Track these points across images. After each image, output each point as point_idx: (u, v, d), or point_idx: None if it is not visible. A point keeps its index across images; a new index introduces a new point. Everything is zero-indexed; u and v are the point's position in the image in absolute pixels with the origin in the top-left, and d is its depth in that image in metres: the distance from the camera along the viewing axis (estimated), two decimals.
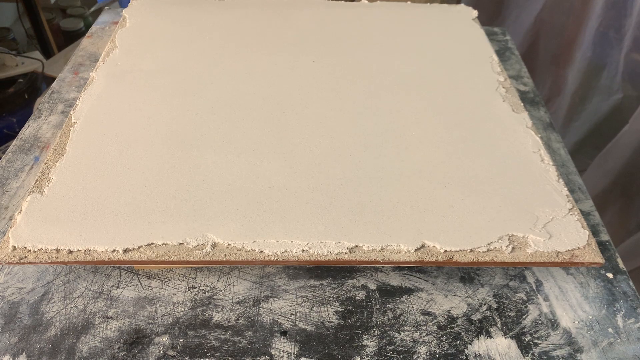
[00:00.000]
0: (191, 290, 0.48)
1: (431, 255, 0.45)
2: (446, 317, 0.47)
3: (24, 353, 0.42)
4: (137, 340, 0.44)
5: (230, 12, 0.79)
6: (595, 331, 0.47)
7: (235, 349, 0.44)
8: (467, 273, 0.51)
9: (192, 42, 0.71)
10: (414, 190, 0.50)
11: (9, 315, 0.45)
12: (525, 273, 0.52)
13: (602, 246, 0.55)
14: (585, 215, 0.59)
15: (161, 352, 0.43)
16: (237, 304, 0.47)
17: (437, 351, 0.45)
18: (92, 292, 0.47)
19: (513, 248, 0.46)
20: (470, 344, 0.46)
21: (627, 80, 1.06)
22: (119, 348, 0.43)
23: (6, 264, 0.42)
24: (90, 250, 0.43)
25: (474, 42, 0.76)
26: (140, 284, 0.48)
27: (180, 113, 0.58)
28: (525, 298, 0.50)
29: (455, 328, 0.47)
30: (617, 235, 1.04)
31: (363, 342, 0.45)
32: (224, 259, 0.44)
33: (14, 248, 0.43)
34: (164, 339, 0.44)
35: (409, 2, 0.86)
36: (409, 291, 0.49)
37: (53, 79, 0.79)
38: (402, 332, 0.46)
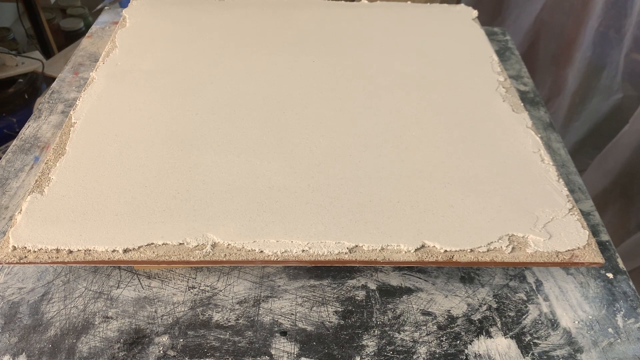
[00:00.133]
0: (191, 290, 0.48)
1: (431, 255, 0.45)
2: (446, 317, 0.47)
3: (24, 353, 0.42)
4: (137, 340, 0.44)
5: (230, 12, 0.79)
6: (595, 331, 0.47)
7: (235, 349, 0.44)
8: (467, 273, 0.51)
9: (192, 42, 0.71)
10: (414, 190, 0.50)
11: (9, 315, 0.45)
12: (525, 273, 0.52)
13: (602, 246, 0.55)
14: (585, 215, 0.59)
15: (161, 352, 0.43)
16: (237, 304, 0.47)
17: (437, 351, 0.45)
18: (92, 292, 0.47)
19: (513, 248, 0.46)
20: (470, 344, 0.46)
21: (627, 80, 1.06)
22: (119, 348, 0.43)
23: (6, 264, 0.42)
24: (90, 250, 0.43)
25: (474, 42, 0.76)
26: (140, 284, 0.48)
27: (180, 113, 0.58)
28: (525, 298, 0.50)
29: (455, 328, 0.47)
30: (617, 235, 1.04)
31: (363, 342, 0.45)
32: (224, 259, 0.44)
33: (14, 248, 0.43)
34: (164, 339, 0.44)
35: (409, 2, 0.86)
36: (409, 291, 0.49)
37: (53, 79, 0.79)
38: (402, 332, 0.46)
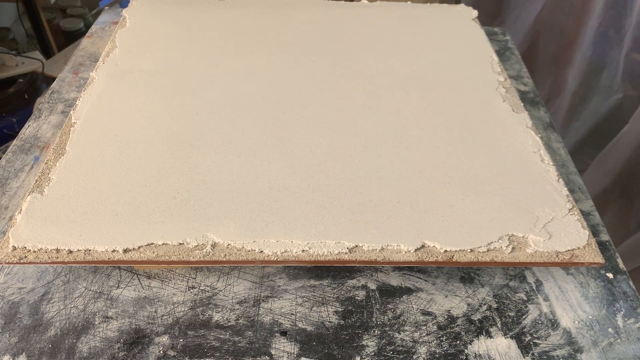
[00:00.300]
0: (191, 290, 0.48)
1: (431, 255, 0.45)
2: (446, 317, 0.47)
3: (24, 353, 0.42)
4: (137, 340, 0.44)
5: (230, 12, 0.79)
6: (595, 331, 0.47)
7: (235, 349, 0.44)
8: (467, 273, 0.51)
9: (192, 42, 0.71)
10: (414, 190, 0.50)
11: (9, 315, 0.45)
12: (525, 273, 0.52)
13: (602, 246, 0.55)
14: (585, 215, 0.59)
15: (161, 352, 0.43)
16: (237, 304, 0.47)
17: (437, 351, 0.45)
18: (92, 292, 0.47)
19: (513, 248, 0.46)
20: (470, 344, 0.46)
21: (627, 80, 1.06)
22: (119, 348, 0.43)
23: (6, 264, 0.42)
24: (90, 250, 0.43)
25: (474, 42, 0.76)
26: (140, 284, 0.48)
27: (180, 113, 0.58)
28: (525, 298, 0.50)
29: (455, 328, 0.47)
30: (617, 235, 1.04)
31: (363, 342, 0.45)
32: (224, 259, 0.44)
33: (14, 248, 0.43)
34: (164, 339, 0.44)
35: (409, 2, 0.86)
36: (409, 291, 0.49)
37: (53, 79, 0.79)
38: (402, 332, 0.46)
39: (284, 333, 0.45)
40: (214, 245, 0.44)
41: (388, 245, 0.45)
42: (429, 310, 0.48)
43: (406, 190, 0.50)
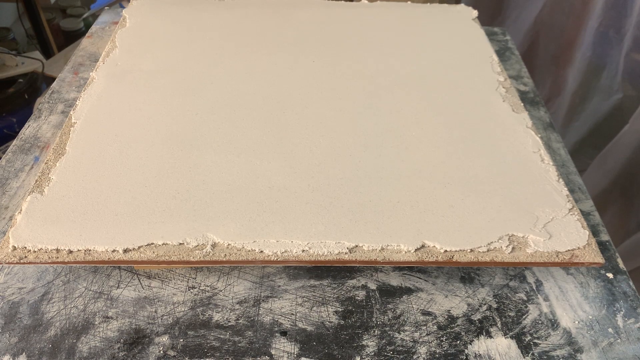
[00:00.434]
0: (191, 290, 0.48)
1: (431, 255, 0.45)
2: (446, 317, 0.47)
3: (24, 353, 0.42)
4: (137, 340, 0.44)
5: (230, 12, 0.79)
6: (595, 331, 0.47)
7: (235, 349, 0.44)
8: (467, 273, 0.51)
9: (192, 42, 0.71)
10: (414, 190, 0.50)
11: (9, 315, 0.45)
12: (525, 273, 0.52)
13: (602, 246, 0.55)
14: (585, 215, 0.59)
15: (161, 352, 0.43)
16: (237, 304, 0.47)
17: (437, 351, 0.45)
18: (92, 292, 0.47)
19: (513, 248, 0.46)
20: (470, 344, 0.46)
21: (627, 80, 1.06)
22: (119, 348, 0.43)
23: (6, 264, 0.42)
24: (90, 250, 0.43)
25: (474, 42, 0.76)
26: (140, 284, 0.48)
27: (180, 113, 0.58)
28: (525, 298, 0.50)
29: (455, 328, 0.47)
30: (617, 235, 1.04)
31: (363, 342, 0.45)
32: (224, 259, 0.44)
33: (14, 248, 0.43)
34: (164, 339, 0.44)
35: (409, 2, 0.86)
36: (409, 291, 0.49)
37: (53, 79, 0.79)
38: (402, 332, 0.46)
39: (284, 333, 0.45)
40: (214, 245, 0.44)
41: (388, 245, 0.45)
42: (429, 310, 0.48)
43: (406, 190, 0.50)
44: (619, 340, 0.47)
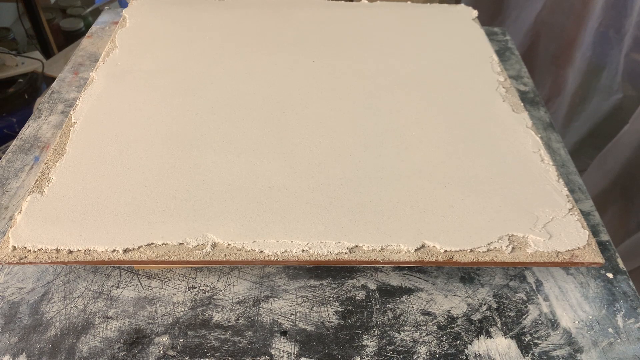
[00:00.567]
0: (191, 290, 0.48)
1: (431, 255, 0.45)
2: (446, 317, 0.47)
3: (24, 353, 0.42)
4: (137, 340, 0.44)
5: (230, 12, 0.79)
6: (595, 331, 0.47)
7: (235, 349, 0.44)
8: (467, 273, 0.51)
9: (192, 42, 0.71)
10: (414, 190, 0.50)
11: (9, 315, 0.45)
12: (525, 273, 0.52)
13: (602, 246, 0.55)
14: (585, 215, 0.59)
15: (161, 352, 0.43)
16: (237, 304, 0.47)
17: (437, 351, 0.45)
18: (92, 292, 0.47)
19: (513, 248, 0.46)
20: (470, 344, 0.46)
21: (627, 80, 1.06)
22: (119, 348, 0.43)
23: (6, 264, 0.42)
24: (90, 250, 0.43)
25: (474, 42, 0.76)
26: (140, 284, 0.48)
27: (180, 113, 0.58)
28: (525, 298, 0.50)
29: (455, 328, 0.47)
30: (617, 235, 1.04)
31: (363, 342, 0.45)
32: (224, 259, 0.44)
33: (14, 248, 0.43)
34: (164, 339, 0.44)
35: (409, 2, 0.86)
36: (409, 291, 0.49)
37: (53, 79, 0.79)
38: (402, 332, 0.46)
39: (284, 333, 0.45)
40: (214, 245, 0.44)
41: (388, 245, 0.45)
42: (429, 310, 0.48)
43: (406, 190, 0.50)
44: (619, 340, 0.47)
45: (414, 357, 0.44)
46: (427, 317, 0.47)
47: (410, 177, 0.52)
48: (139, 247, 0.44)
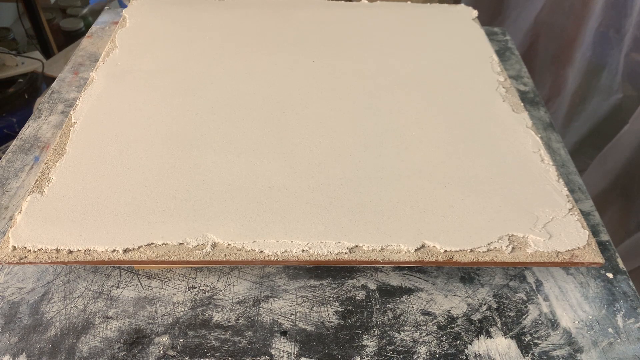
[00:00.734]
0: (191, 290, 0.48)
1: (431, 255, 0.45)
2: (446, 317, 0.47)
3: (24, 353, 0.42)
4: (137, 340, 0.44)
5: (230, 12, 0.79)
6: (595, 331, 0.47)
7: (235, 349, 0.44)
8: (467, 273, 0.51)
9: (192, 42, 0.71)
10: (414, 190, 0.50)
11: (9, 315, 0.45)
12: (525, 273, 0.52)
13: (602, 246, 0.55)
14: (585, 215, 0.59)
15: (161, 352, 0.43)
16: (237, 304, 0.47)
17: (437, 351, 0.45)
18: (92, 292, 0.47)
19: (513, 248, 0.46)
20: (470, 344, 0.46)
21: (627, 80, 1.06)
22: (119, 348, 0.43)
23: (6, 264, 0.42)
24: (90, 250, 0.43)
25: (474, 42, 0.76)
26: (140, 284, 0.48)
27: (180, 113, 0.58)
28: (525, 298, 0.50)
29: (455, 328, 0.47)
30: (617, 235, 1.04)
31: (363, 342, 0.45)
32: (224, 259, 0.44)
33: (14, 248, 0.43)
34: (164, 339, 0.44)
35: (409, 2, 0.86)
36: (409, 291, 0.49)
37: (53, 79, 0.79)
38: (402, 332, 0.46)
39: (284, 333, 0.45)
40: (214, 245, 0.44)
41: (388, 245, 0.45)
42: (429, 310, 0.48)
43: (406, 190, 0.50)
44: (619, 340, 0.47)
45: (414, 357, 0.44)
46: (427, 317, 0.47)
47: (410, 177, 0.52)
48: (139, 247, 0.44)
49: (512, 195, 0.51)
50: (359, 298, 0.49)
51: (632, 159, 0.99)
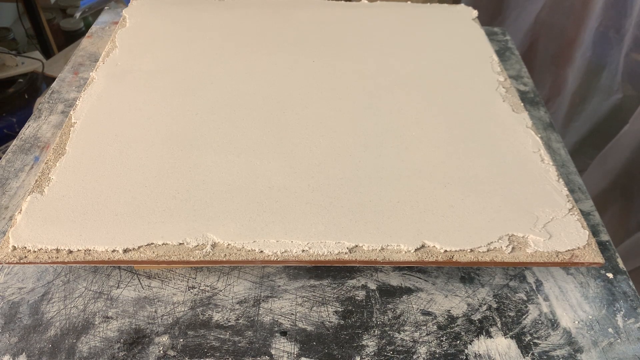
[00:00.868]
0: (191, 290, 0.48)
1: (431, 255, 0.45)
2: (446, 317, 0.47)
3: (24, 353, 0.42)
4: (137, 340, 0.44)
5: (230, 12, 0.79)
6: (595, 331, 0.47)
7: (235, 349, 0.44)
8: (467, 273, 0.51)
9: (192, 42, 0.71)
10: (414, 190, 0.50)
11: (9, 315, 0.45)
12: (525, 273, 0.52)
13: (602, 246, 0.55)
14: (585, 215, 0.59)
15: (161, 352, 0.43)
16: (237, 304, 0.47)
17: (437, 351, 0.45)
18: (92, 292, 0.47)
19: (513, 248, 0.46)
20: (470, 344, 0.46)
21: (627, 80, 1.06)
22: (119, 348, 0.43)
23: (6, 264, 0.42)
24: (90, 250, 0.43)
25: (474, 42, 0.76)
26: (140, 284, 0.48)
27: (180, 113, 0.58)
28: (525, 298, 0.50)
29: (455, 328, 0.47)
30: (617, 235, 1.04)
31: (363, 342, 0.45)
32: (224, 259, 0.44)
33: (14, 248, 0.43)
34: (164, 339, 0.44)
35: (409, 2, 0.86)
36: (409, 291, 0.49)
37: (53, 79, 0.79)
38: (402, 332, 0.46)
39: (284, 333, 0.45)
40: (214, 245, 0.44)
41: (388, 245, 0.45)
42: (429, 310, 0.48)
43: (406, 190, 0.50)
44: (619, 340, 0.47)
45: (414, 357, 0.44)
46: (427, 317, 0.47)
47: (410, 177, 0.52)
48: (139, 247, 0.44)
49: (512, 195, 0.51)
50: (359, 298, 0.49)
51: (632, 159, 0.99)
